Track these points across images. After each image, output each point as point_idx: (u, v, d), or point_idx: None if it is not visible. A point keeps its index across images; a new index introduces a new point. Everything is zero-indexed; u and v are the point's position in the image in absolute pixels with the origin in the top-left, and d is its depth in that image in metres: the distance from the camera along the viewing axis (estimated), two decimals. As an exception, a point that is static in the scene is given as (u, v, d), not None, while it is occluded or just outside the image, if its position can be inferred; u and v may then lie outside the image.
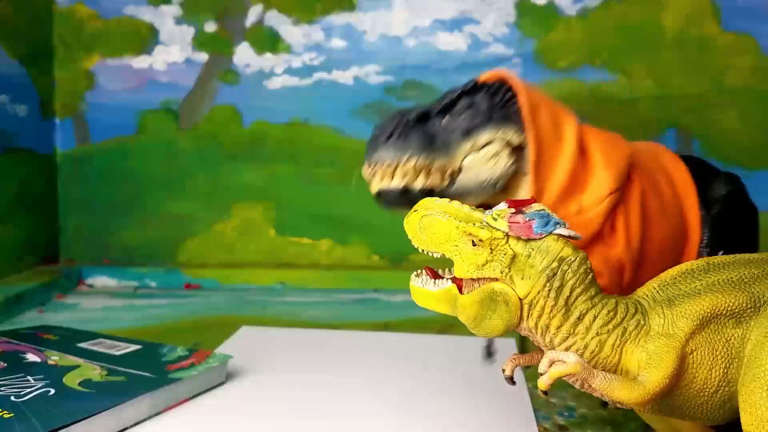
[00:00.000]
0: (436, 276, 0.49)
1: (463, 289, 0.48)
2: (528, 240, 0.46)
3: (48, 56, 1.19)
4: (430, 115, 0.60)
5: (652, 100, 1.08)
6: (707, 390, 0.47)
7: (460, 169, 0.59)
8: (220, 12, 1.20)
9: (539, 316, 0.46)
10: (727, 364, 0.47)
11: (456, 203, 0.48)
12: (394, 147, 0.57)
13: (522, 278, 0.46)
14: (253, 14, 1.19)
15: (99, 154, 1.22)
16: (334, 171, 1.20)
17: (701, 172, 0.69)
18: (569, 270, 0.46)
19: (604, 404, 0.65)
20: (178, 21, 1.20)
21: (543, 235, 0.46)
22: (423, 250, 0.48)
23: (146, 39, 1.20)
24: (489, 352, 0.51)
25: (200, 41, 1.20)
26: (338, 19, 1.18)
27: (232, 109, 1.21)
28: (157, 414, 0.61)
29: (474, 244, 0.46)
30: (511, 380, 0.52)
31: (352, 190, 1.20)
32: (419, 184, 0.58)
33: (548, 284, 0.46)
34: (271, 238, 1.22)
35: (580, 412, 0.64)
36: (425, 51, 1.16)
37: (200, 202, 1.22)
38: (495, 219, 0.46)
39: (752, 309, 0.47)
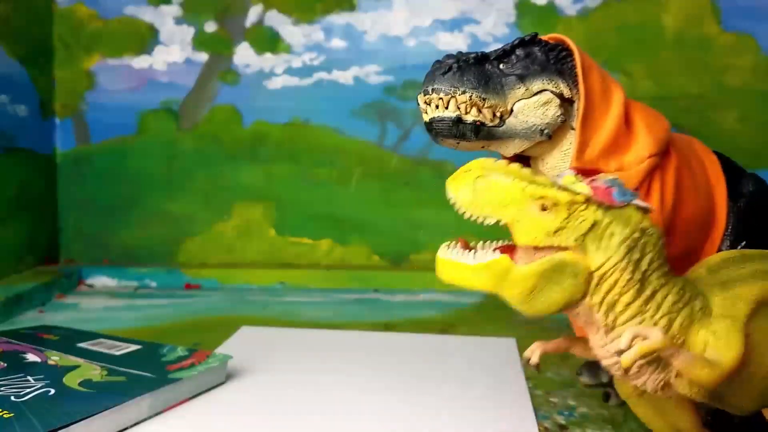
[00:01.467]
0: (468, 248, 0.45)
1: (518, 260, 0.43)
2: (609, 207, 0.43)
3: (48, 56, 1.19)
4: (488, 59, 0.61)
5: (652, 100, 1.08)
6: (761, 373, 0.46)
7: (511, 111, 0.60)
8: (220, 12, 1.20)
9: (608, 291, 0.43)
10: None
11: (516, 165, 0.44)
12: (451, 80, 0.58)
13: (597, 248, 0.42)
14: (253, 14, 1.20)
15: (99, 154, 1.22)
16: (334, 171, 1.20)
17: (731, 166, 0.71)
18: (649, 242, 0.43)
19: (606, 397, 0.65)
20: (178, 21, 1.20)
21: (624, 204, 0.43)
22: (474, 217, 0.44)
23: (146, 39, 1.20)
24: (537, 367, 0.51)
25: (200, 41, 1.20)
26: (338, 19, 1.18)
27: (232, 109, 1.21)
28: (157, 414, 0.61)
29: (544, 209, 0.42)
30: (537, 367, 0.50)
31: (352, 190, 1.20)
32: (472, 116, 0.59)
33: (628, 255, 0.43)
34: (271, 238, 1.22)
35: (581, 412, 0.64)
36: (425, 51, 1.17)
37: (200, 202, 1.22)
38: (573, 183, 0.43)
39: None
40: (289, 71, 1.20)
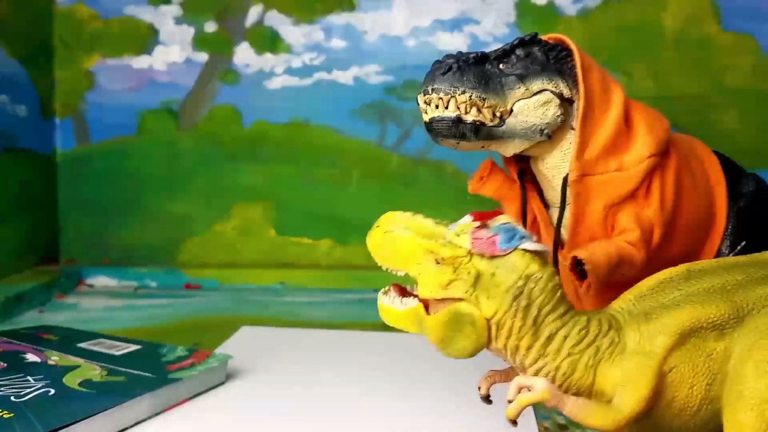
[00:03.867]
0: (404, 293, 0.47)
1: (429, 309, 0.45)
2: (492, 257, 0.43)
3: (48, 56, 1.19)
4: (488, 59, 0.61)
5: (652, 100, 1.08)
6: (689, 409, 0.44)
7: (510, 111, 0.60)
8: (220, 12, 1.20)
9: (507, 337, 0.44)
10: (710, 381, 0.43)
11: (420, 217, 0.46)
12: (451, 80, 0.58)
13: (488, 298, 0.43)
14: (253, 14, 1.19)
15: (99, 154, 1.22)
16: (334, 171, 1.20)
17: (731, 167, 0.71)
18: (536, 287, 0.43)
19: None
20: (178, 21, 1.20)
21: (508, 251, 0.43)
22: (386, 269, 0.46)
23: (146, 39, 1.20)
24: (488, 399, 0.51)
25: (200, 41, 1.20)
26: (338, 19, 1.18)
27: (232, 109, 1.21)
28: (157, 414, 0.61)
29: (437, 263, 0.44)
30: (487, 399, 0.50)
31: (352, 190, 1.20)
32: (471, 116, 0.59)
33: (515, 303, 0.43)
34: (271, 238, 1.22)
35: (580, 412, 0.64)
36: (425, 51, 1.17)
37: (200, 202, 1.22)
38: (457, 235, 0.44)
39: (735, 319, 0.44)
40: (289, 71, 1.19)
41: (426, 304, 0.45)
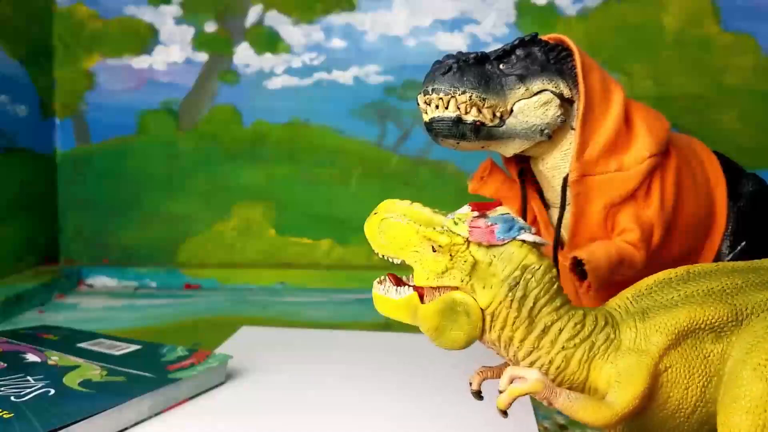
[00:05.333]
0: (399, 283, 0.47)
1: (425, 298, 0.45)
2: (490, 246, 0.43)
3: (48, 56, 1.19)
4: (488, 59, 0.61)
5: (652, 100, 1.08)
6: (683, 410, 0.43)
7: (511, 111, 0.60)
8: (220, 12, 1.20)
9: (502, 329, 0.44)
10: (706, 383, 0.43)
11: (418, 205, 0.46)
12: (451, 80, 0.58)
13: (483, 287, 0.43)
14: (253, 14, 1.19)
15: (99, 154, 1.22)
16: (334, 171, 1.20)
17: (731, 167, 0.71)
18: (533, 279, 0.43)
19: None
20: (178, 21, 1.20)
21: (505, 241, 0.43)
22: (382, 256, 0.46)
23: (146, 39, 1.20)
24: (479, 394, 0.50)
25: (200, 41, 1.20)
26: (338, 19, 1.18)
27: (232, 109, 1.21)
28: (157, 414, 0.61)
29: (434, 250, 0.44)
30: (478, 395, 0.49)
31: (352, 190, 1.20)
32: (471, 116, 0.59)
33: (510, 294, 0.43)
34: (271, 238, 1.22)
35: (580, 412, 0.64)
36: (425, 51, 1.17)
37: (200, 202, 1.22)
38: (456, 223, 0.44)
39: (734, 323, 0.44)
40: (289, 71, 1.19)
41: (421, 294, 0.45)
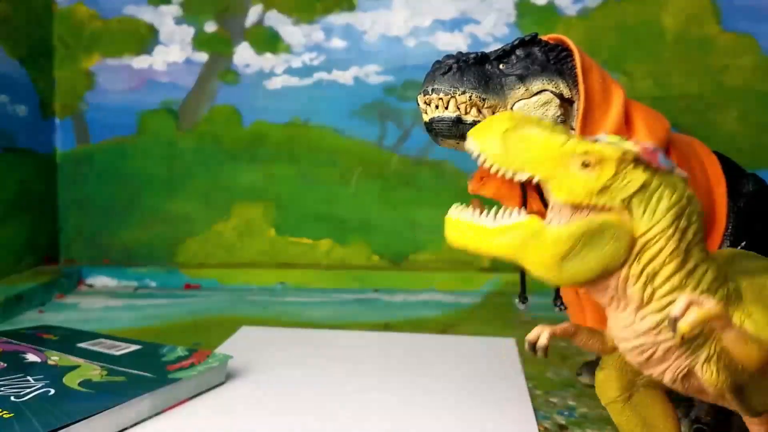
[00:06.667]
0: (483, 211, 0.41)
1: (548, 222, 0.40)
2: (657, 170, 0.39)
3: (48, 56, 1.19)
4: (488, 59, 0.61)
5: (652, 100, 1.08)
6: None
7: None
8: (220, 12, 1.20)
9: (650, 260, 0.39)
10: None
11: (548, 121, 0.42)
12: (451, 80, 0.58)
13: (644, 212, 0.39)
14: (253, 14, 1.20)
15: (99, 154, 1.22)
16: (334, 171, 1.20)
17: (731, 167, 0.71)
18: (695, 212, 0.40)
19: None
20: (178, 21, 1.20)
21: (669, 168, 0.40)
22: (503, 171, 0.40)
23: (146, 39, 1.20)
24: (524, 297, 0.48)
25: (200, 41, 1.20)
26: (338, 19, 1.18)
27: (232, 109, 1.21)
28: (157, 414, 0.61)
29: (586, 166, 0.39)
30: (545, 350, 0.44)
31: (352, 190, 1.20)
32: (471, 117, 0.59)
33: (675, 222, 0.39)
34: (271, 238, 1.22)
35: (580, 412, 0.64)
36: (425, 51, 1.17)
37: (200, 202, 1.22)
38: (615, 143, 0.40)
39: None
40: (289, 71, 1.20)
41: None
